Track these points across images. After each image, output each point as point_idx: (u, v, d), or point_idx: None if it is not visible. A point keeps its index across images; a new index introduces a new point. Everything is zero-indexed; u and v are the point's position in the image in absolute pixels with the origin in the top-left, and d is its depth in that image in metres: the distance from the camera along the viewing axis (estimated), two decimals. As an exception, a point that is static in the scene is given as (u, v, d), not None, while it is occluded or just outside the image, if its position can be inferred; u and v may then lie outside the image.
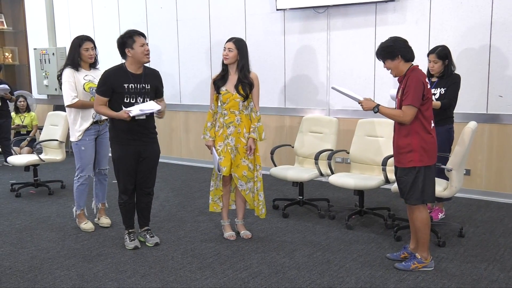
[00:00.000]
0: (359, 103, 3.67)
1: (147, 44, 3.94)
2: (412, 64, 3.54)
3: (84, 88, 4.44)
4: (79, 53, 4.46)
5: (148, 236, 4.25)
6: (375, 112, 3.58)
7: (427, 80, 3.52)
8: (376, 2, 5.70)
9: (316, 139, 5.20)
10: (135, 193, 4.16)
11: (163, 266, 3.80)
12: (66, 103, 4.41)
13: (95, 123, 4.51)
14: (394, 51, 3.49)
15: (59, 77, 4.53)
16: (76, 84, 4.42)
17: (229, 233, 4.35)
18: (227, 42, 4.14)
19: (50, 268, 3.80)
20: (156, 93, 4.09)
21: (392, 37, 3.59)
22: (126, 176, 4.02)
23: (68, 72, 4.44)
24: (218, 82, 4.19)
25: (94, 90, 4.43)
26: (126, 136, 3.94)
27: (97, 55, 4.61)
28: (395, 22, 5.70)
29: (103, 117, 4.50)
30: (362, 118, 5.07)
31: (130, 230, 4.20)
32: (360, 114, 5.32)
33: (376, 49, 3.60)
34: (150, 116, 4.00)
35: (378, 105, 3.57)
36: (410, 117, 3.43)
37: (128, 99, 3.92)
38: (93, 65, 4.59)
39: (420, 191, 3.52)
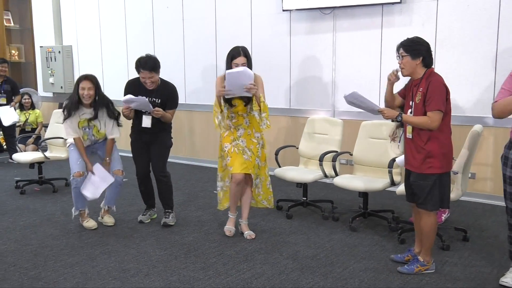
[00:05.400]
0: (379, 112, 3.53)
1: (149, 77, 4.31)
2: (428, 69, 3.44)
3: (78, 126, 4.50)
4: (77, 91, 4.40)
5: (164, 217, 4.74)
6: (399, 121, 3.48)
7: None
8: (382, 4, 5.69)
9: (321, 140, 5.19)
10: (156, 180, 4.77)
11: (166, 265, 3.80)
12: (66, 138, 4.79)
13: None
14: (420, 51, 3.39)
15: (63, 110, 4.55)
16: (74, 123, 4.49)
17: (228, 227, 4.39)
18: (237, 57, 4.05)
19: (53, 265, 3.81)
20: (165, 106, 4.48)
21: (420, 37, 3.48)
22: (137, 160, 4.71)
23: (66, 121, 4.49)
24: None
25: (87, 130, 4.53)
26: (135, 134, 4.67)
27: (97, 96, 4.45)
28: (401, 24, 5.68)
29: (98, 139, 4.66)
30: (366, 120, 5.06)
31: (146, 208, 4.89)
32: (365, 116, 5.30)
33: (402, 40, 3.45)
34: (154, 125, 4.51)
35: (401, 113, 3.46)
36: (437, 122, 3.31)
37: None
38: (97, 105, 4.46)
39: (438, 198, 3.44)
